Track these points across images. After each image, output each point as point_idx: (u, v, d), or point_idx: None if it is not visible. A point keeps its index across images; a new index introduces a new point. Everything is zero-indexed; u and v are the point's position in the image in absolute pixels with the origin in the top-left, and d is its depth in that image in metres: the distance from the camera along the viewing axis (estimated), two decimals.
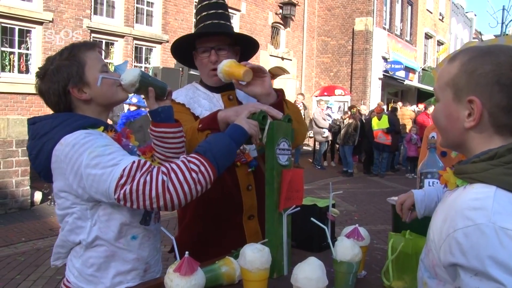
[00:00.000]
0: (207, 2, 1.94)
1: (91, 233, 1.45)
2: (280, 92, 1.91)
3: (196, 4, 2.01)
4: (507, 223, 0.89)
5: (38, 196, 7.17)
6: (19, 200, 6.77)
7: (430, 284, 1.06)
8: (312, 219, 1.55)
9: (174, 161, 1.42)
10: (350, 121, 12.12)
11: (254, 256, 1.31)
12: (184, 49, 2.03)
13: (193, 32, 1.98)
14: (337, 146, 12.92)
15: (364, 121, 12.56)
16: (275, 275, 1.56)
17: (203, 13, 1.91)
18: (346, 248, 1.41)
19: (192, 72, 7.97)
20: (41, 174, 1.51)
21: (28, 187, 6.92)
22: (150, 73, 9.85)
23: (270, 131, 1.60)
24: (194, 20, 1.99)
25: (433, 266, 1.04)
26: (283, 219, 1.61)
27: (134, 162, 1.35)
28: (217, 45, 1.91)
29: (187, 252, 1.15)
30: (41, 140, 1.45)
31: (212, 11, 1.92)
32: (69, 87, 1.48)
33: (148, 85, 1.54)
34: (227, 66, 1.78)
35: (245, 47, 2.07)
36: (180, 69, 8.23)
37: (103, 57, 1.65)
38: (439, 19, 25.41)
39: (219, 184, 1.81)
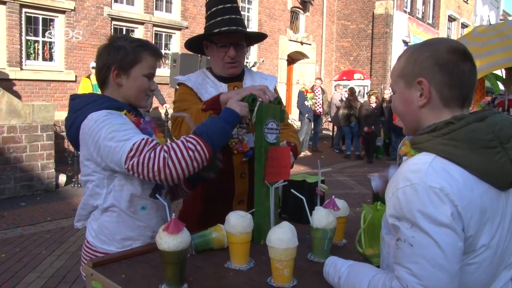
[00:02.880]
0: None
1: (106, 199, 1.70)
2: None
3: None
4: (434, 183, 1.07)
5: (62, 178, 7.50)
6: (44, 183, 7.12)
7: (386, 239, 1.24)
8: (292, 190, 1.72)
9: (174, 141, 1.62)
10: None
11: (237, 221, 1.49)
12: (196, 39, 2.17)
13: (206, 20, 2.10)
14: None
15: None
16: (262, 242, 1.74)
17: (220, 6, 2.03)
18: (321, 217, 1.58)
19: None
20: (72, 142, 1.78)
21: (53, 170, 7.25)
22: (169, 59, 10.06)
23: (259, 112, 1.77)
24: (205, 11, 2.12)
25: (387, 222, 1.21)
26: (270, 191, 1.78)
27: (143, 139, 1.57)
28: (236, 41, 2.07)
29: (173, 214, 1.34)
30: (75, 114, 1.71)
31: (228, 5, 2.04)
32: (113, 66, 1.71)
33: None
34: None
35: (254, 38, 2.24)
36: (199, 55, 8.41)
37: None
38: (464, 0, 24.85)
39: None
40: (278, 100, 1.90)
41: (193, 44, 2.22)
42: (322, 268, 1.41)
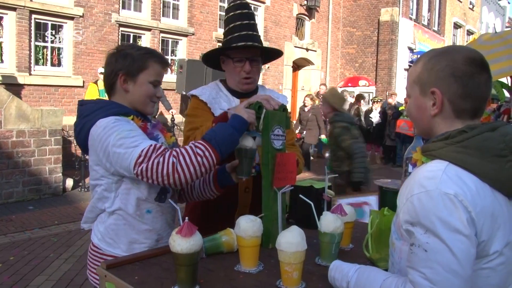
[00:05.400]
0: (239, 11, 2.11)
1: (114, 203, 1.75)
2: None
3: (225, 7, 2.17)
4: (449, 189, 1.10)
5: (69, 183, 7.58)
6: (52, 186, 7.19)
7: (397, 244, 1.27)
8: (300, 195, 1.76)
9: (183, 146, 1.67)
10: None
11: (247, 225, 1.53)
12: (212, 53, 2.22)
13: (224, 36, 2.17)
14: None
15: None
16: (271, 246, 1.78)
17: (237, 23, 2.09)
18: (329, 221, 1.62)
19: None
20: (81, 147, 1.83)
21: (60, 174, 7.33)
22: (176, 65, 10.14)
23: (265, 119, 1.81)
24: (223, 25, 2.20)
25: (399, 227, 1.25)
26: (278, 196, 1.82)
27: (151, 145, 1.62)
28: (252, 56, 2.12)
29: (187, 218, 1.38)
30: (83, 120, 1.75)
31: (245, 22, 2.10)
32: (120, 72, 1.77)
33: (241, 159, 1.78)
34: None
35: (270, 54, 2.27)
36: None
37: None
38: (469, 7, 24.86)
39: None
40: (283, 108, 1.95)
41: (210, 58, 2.27)
42: None
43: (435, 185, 1.11)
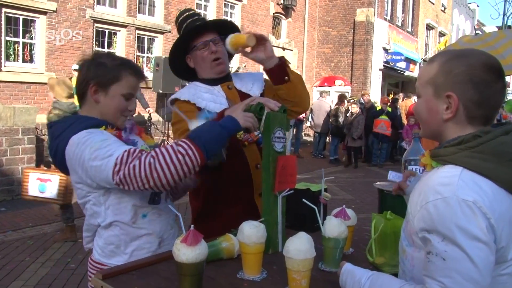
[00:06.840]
0: (186, 13, 2.19)
1: (106, 216, 1.67)
2: (282, 57, 2.11)
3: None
4: (467, 196, 1.07)
5: None
6: None
7: (408, 251, 1.24)
8: (303, 200, 1.71)
9: (165, 146, 1.58)
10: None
11: (251, 231, 1.47)
12: (177, 58, 2.21)
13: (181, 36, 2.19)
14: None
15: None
16: (271, 251, 1.73)
17: (188, 20, 2.14)
18: (333, 226, 1.58)
19: None
20: (61, 169, 1.73)
21: None
22: (152, 63, 9.96)
23: (266, 120, 1.75)
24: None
25: (410, 235, 1.21)
26: (278, 200, 1.77)
27: (125, 151, 1.54)
28: (213, 38, 2.12)
29: (192, 226, 1.32)
30: (56, 141, 1.67)
31: (195, 17, 2.17)
32: (91, 82, 1.67)
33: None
34: (233, 37, 2.03)
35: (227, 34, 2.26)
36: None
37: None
38: (441, 10, 25.39)
39: (229, 166, 1.98)
40: (284, 109, 1.89)
41: (178, 67, 2.25)
42: (335, 277, 1.40)
43: (452, 192, 1.08)
